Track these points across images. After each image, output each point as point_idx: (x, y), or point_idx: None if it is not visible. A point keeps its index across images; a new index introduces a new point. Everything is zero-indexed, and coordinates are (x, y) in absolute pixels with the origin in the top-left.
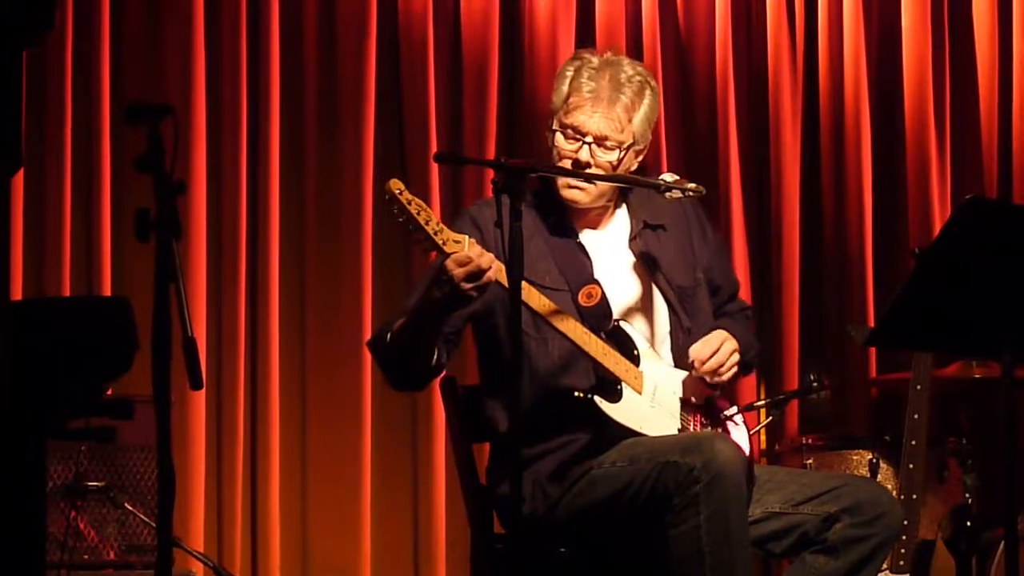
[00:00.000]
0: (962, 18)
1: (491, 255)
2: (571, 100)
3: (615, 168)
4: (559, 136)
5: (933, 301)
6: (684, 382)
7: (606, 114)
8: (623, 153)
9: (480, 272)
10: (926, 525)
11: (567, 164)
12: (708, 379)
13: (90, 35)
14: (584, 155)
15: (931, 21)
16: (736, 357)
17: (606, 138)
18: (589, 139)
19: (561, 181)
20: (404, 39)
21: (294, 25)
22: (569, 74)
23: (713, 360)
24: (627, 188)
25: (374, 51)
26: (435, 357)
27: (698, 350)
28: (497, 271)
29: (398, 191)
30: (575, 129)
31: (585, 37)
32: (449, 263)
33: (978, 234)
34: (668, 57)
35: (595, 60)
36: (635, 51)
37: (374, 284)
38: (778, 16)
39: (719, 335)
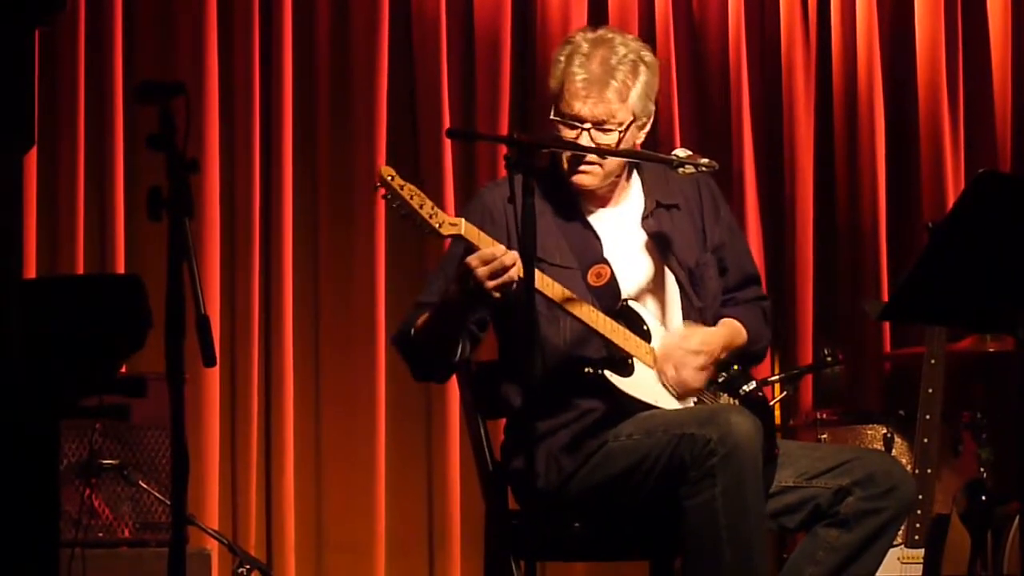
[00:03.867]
0: None
1: (514, 253)
2: (565, 88)
3: (618, 147)
4: (560, 125)
5: (947, 275)
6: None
7: (600, 99)
8: (624, 132)
9: (504, 269)
10: (941, 499)
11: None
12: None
13: (102, 13)
14: (584, 140)
15: None
16: (701, 375)
17: (604, 122)
18: (587, 125)
19: (568, 166)
20: (416, 17)
21: (306, 3)
22: (561, 61)
23: (670, 374)
24: (639, 165)
25: (387, 29)
26: (459, 351)
27: (667, 343)
28: (518, 265)
29: (389, 177)
30: (572, 117)
31: (598, 13)
32: (473, 260)
33: (991, 208)
34: (680, 33)
35: (585, 45)
36: (647, 27)
37: (387, 261)
38: None
39: (695, 339)
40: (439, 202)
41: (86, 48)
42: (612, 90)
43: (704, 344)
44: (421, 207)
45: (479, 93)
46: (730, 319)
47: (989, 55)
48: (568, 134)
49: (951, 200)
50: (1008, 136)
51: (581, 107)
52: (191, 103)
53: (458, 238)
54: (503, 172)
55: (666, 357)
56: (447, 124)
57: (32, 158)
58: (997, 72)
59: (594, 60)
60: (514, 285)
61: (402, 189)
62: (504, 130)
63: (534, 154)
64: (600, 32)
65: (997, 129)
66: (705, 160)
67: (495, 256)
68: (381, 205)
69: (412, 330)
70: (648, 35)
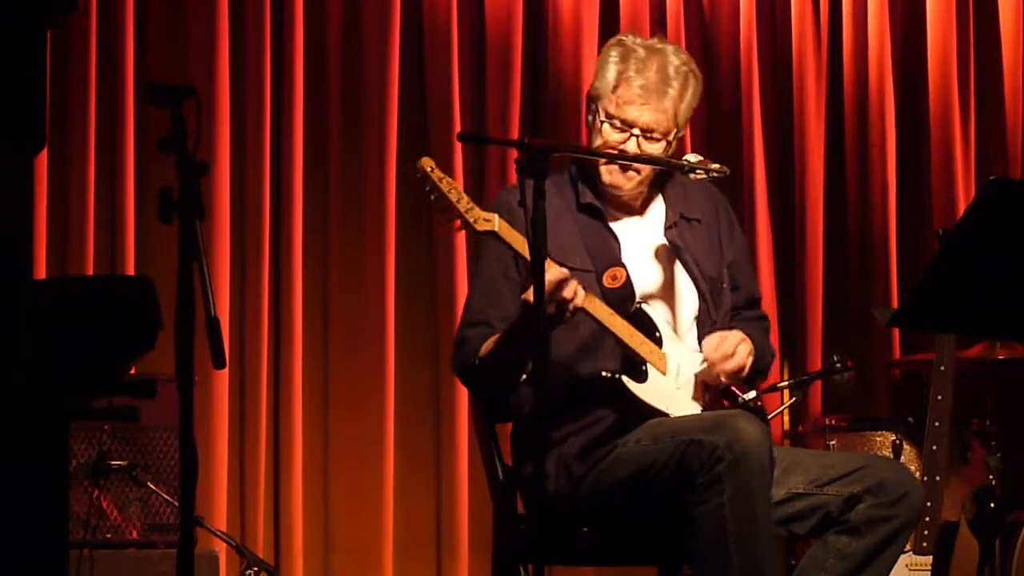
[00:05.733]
0: None
1: (575, 284)
2: (620, 91)
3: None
4: (607, 126)
5: (957, 282)
6: (706, 369)
7: (656, 107)
8: (668, 144)
9: (563, 296)
10: (949, 506)
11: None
12: (719, 375)
13: (114, 16)
14: (632, 146)
15: (956, 1)
16: (750, 360)
17: (653, 130)
18: (636, 131)
19: (604, 168)
20: (428, 19)
21: (318, 5)
22: (614, 61)
23: (722, 358)
24: (664, 181)
25: (398, 31)
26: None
27: (710, 344)
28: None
29: (429, 168)
30: (624, 121)
31: (609, 16)
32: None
33: (1002, 215)
34: (692, 36)
35: (640, 50)
36: (658, 30)
37: (397, 265)
38: None
39: (736, 335)
40: None
41: (97, 50)
42: (669, 99)
43: (745, 339)
44: (458, 201)
45: (490, 97)
46: (737, 331)
47: (1000, 62)
48: (615, 137)
49: (962, 207)
50: (1019, 143)
51: (637, 113)
52: (202, 106)
53: (491, 234)
54: (514, 177)
55: (720, 338)
56: (458, 128)
57: (43, 159)
58: (1008, 79)
59: (651, 67)
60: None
61: (441, 182)
62: (515, 134)
63: (545, 158)
64: (652, 40)
65: (1008, 136)
66: (716, 165)
67: (555, 295)
68: (392, 208)
69: (476, 360)
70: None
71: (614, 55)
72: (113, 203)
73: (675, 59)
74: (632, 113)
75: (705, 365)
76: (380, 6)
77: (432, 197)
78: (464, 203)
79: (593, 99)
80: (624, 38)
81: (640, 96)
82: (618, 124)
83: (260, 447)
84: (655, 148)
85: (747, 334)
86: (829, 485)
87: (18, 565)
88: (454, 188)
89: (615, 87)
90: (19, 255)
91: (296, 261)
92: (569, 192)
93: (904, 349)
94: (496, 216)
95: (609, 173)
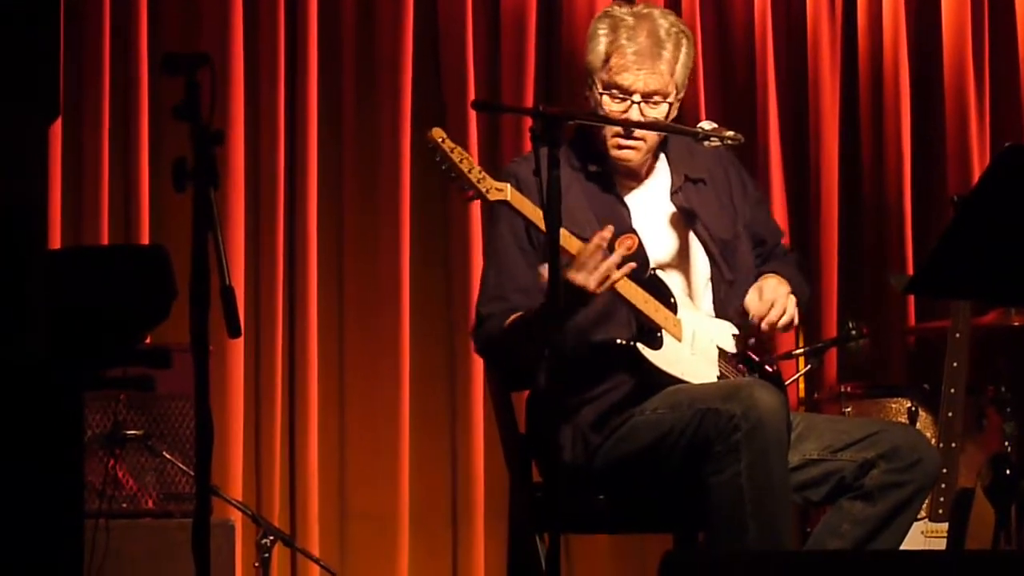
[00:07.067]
0: None
1: (609, 259)
2: (613, 61)
3: (667, 119)
4: (606, 98)
5: (972, 249)
6: (723, 333)
7: (652, 70)
8: (669, 107)
9: (597, 266)
10: (965, 473)
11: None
12: (770, 330)
13: None
14: (635, 114)
15: None
16: (793, 300)
17: (653, 94)
18: (636, 97)
19: (611, 141)
20: None
21: None
22: (603, 33)
23: (773, 313)
24: (666, 140)
25: (412, 1)
26: None
27: (756, 305)
28: (567, 239)
29: (440, 139)
30: (621, 89)
31: None
32: (578, 278)
33: (1017, 182)
34: (707, 8)
35: (629, 18)
36: (673, 1)
37: (412, 233)
38: None
39: (772, 284)
40: None
41: (111, 19)
42: (664, 62)
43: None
44: (470, 171)
45: (504, 65)
46: (771, 276)
47: (1015, 28)
48: (615, 107)
49: (976, 174)
50: None
51: (633, 80)
52: (216, 74)
53: (503, 203)
54: (528, 145)
55: (759, 293)
56: (472, 96)
57: (57, 129)
58: (1023, 45)
59: (641, 33)
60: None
61: (452, 152)
62: (529, 102)
63: (559, 127)
64: (637, 7)
65: (1022, 103)
66: (730, 133)
67: (586, 264)
68: (407, 177)
69: (500, 337)
70: (674, 6)
71: (603, 27)
72: (127, 172)
73: (664, 21)
74: (628, 79)
75: (739, 331)
76: None
77: (443, 167)
78: (476, 173)
79: (588, 73)
80: (611, 9)
81: (635, 62)
82: (617, 94)
83: (275, 416)
84: (658, 112)
85: (777, 271)
86: (843, 451)
87: (34, 535)
88: (466, 158)
89: (608, 57)
90: (34, 224)
91: (311, 230)
92: (577, 162)
93: (919, 316)
94: (508, 185)
95: (617, 147)
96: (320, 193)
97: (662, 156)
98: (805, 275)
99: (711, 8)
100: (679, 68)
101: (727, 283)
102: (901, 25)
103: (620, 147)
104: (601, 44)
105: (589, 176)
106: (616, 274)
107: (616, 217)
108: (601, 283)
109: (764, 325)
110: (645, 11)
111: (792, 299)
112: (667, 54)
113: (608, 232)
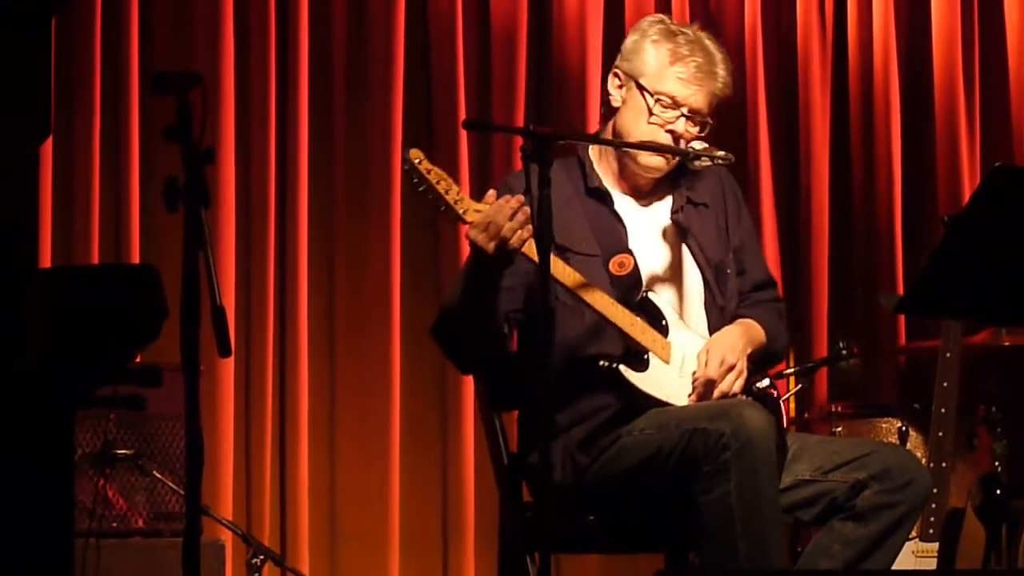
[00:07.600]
0: None
1: (514, 203)
2: (676, 69)
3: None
4: (658, 105)
5: (962, 269)
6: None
7: (709, 90)
8: (709, 127)
9: (498, 228)
10: (955, 493)
11: (658, 131)
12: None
13: (119, 3)
14: (680, 126)
15: None
16: (733, 372)
17: (698, 112)
18: (685, 110)
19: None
20: (433, 7)
21: None
22: (661, 39)
23: (725, 383)
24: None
25: (403, 19)
26: (503, 328)
27: (712, 370)
28: (527, 216)
29: (417, 160)
30: (674, 99)
31: (614, 4)
32: (472, 234)
33: (1007, 202)
34: (696, 23)
35: (688, 31)
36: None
37: (402, 251)
38: None
39: (719, 346)
40: None
41: (102, 37)
42: (717, 87)
43: (732, 347)
44: (447, 192)
45: (495, 84)
46: (747, 319)
47: (1005, 48)
48: (664, 115)
49: (967, 194)
50: None
51: (688, 94)
52: (207, 94)
53: None
54: (519, 164)
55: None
56: (463, 114)
57: (48, 147)
58: (1013, 65)
59: (700, 50)
60: (524, 235)
61: (429, 173)
62: (520, 122)
63: (550, 146)
64: (694, 27)
65: (1013, 123)
66: (721, 153)
67: (489, 221)
68: (397, 195)
69: (443, 311)
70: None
71: (657, 34)
72: (118, 191)
73: (716, 48)
74: (684, 92)
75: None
76: None
77: (420, 188)
78: (454, 193)
79: (631, 77)
80: (663, 18)
81: (696, 77)
82: (666, 101)
83: (266, 436)
84: (695, 131)
85: (756, 318)
86: (835, 471)
87: (24, 555)
88: (444, 179)
89: (670, 63)
90: (25, 242)
91: (301, 249)
92: (577, 176)
93: (910, 335)
94: (486, 206)
95: (649, 155)
96: (311, 212)
97: (668, 178)
98: (787, 325)
99: (701, 24)
100: (719, 99)
101: (719, 308)
102: (891, 44)
103: (652, 156)
104: (661, 49)
105: (589, 191)
106: (514, 239)
107: (613, 235)
108: (499, 247)
109: (716, 393)
110: (697, 32)
111: (744, 360)
112: (719, 81)
113: (516, 201)
